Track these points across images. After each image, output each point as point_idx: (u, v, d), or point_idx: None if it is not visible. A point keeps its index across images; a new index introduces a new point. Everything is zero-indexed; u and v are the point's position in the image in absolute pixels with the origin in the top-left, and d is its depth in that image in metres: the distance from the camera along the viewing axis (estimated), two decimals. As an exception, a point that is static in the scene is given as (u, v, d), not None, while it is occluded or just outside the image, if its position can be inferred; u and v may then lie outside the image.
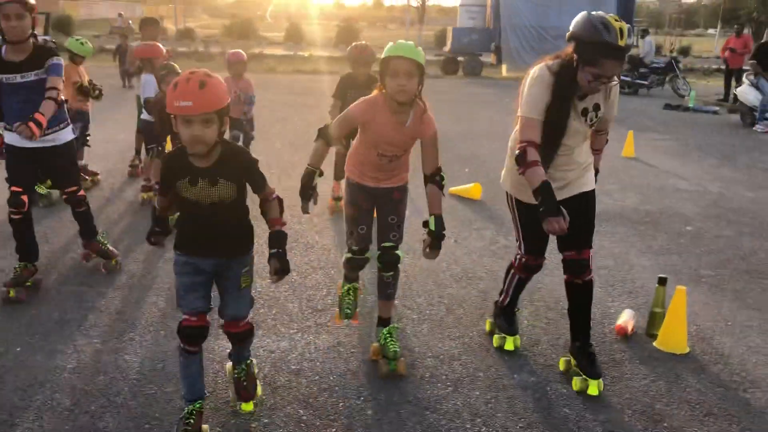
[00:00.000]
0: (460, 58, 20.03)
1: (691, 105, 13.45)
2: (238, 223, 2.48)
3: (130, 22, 10.82)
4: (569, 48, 2.72)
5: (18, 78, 3.50)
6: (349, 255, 3.10)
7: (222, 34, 32.40)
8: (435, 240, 2.77)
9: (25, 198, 3.66)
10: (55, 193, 5.13)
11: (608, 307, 3.79)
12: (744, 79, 11.52)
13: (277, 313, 3.58)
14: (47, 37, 9.63)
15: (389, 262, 3.06)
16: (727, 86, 14.58)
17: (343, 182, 3.34)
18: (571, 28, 2.71)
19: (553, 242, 2.99)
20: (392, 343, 3.03)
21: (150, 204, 2.58)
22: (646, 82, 15.68)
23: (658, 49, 22.81)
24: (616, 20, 2.60)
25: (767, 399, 2.93)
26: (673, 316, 3.32)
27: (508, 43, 18.91)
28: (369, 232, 3.08)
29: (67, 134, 3.80)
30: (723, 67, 15.57)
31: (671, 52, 20.09)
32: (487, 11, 20.29)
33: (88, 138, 6.15)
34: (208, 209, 2.35)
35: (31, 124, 3.34)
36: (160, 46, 5.76)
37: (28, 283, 3.70)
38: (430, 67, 20.09)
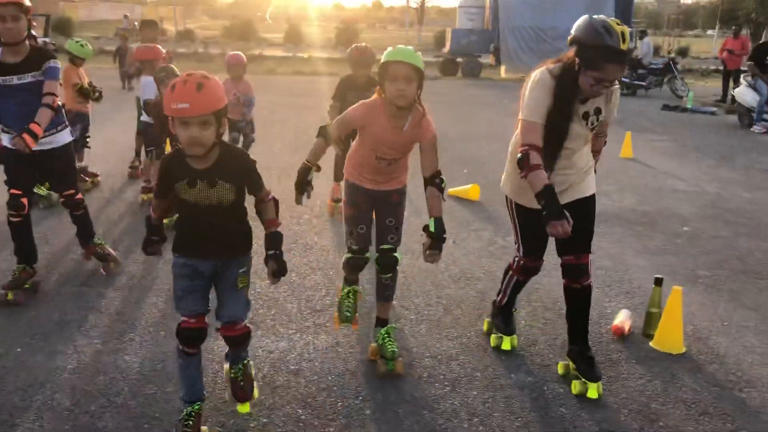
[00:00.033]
0: (459, 60, 20.09)
1: (689, 106, 13.49)
2: (237, 225, 2.48)
3: (136, 23, 10.85)
4: (571, 52, 2.71)
5: (15, 80, 3.49)
6: (349, 255, 3.10)
7: (221, 35, 32.45)
8: (435, 242, 2.73)
9: (24, 200, 3.67)
10: (56, 194, 5.14)
11: (605, 307, 3.81)
12: (742, 80, 11.56)
13: (276, 314, 3.61)
14: (47, 39, 9.66)
15: (387, 265, 3.08)
16: (725, 87, 14.63)
17: (342, 183, 3.36)
18: (572, 31, 2.70)
19: (551, 244, 3.00)
20: (390, 343, 3.05)
21: (150, 206, 2.57)
22: (644, 83, 15.73)
23: (657, 50, 22.88)
24: (617, 24, 2.60)
25: (762, 398, 2.96)
26: (670, 316, 3.34)
27: (507, 45, 18.95)
28: (368, 232, 3.09)
29: (64, 137, 3.80)
30: (721, 68, 15.61)
31: (669, 53, 20.14)
32: (486, 13, 20.34)
33: (88, 140, 6.17)
34: (206, 211, 2.36)
35: (26, 136, 3.34)
36: (160, 48, 5.78)
37: (27, 286, 3.71)
38: (429, 69, 20.12)
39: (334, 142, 2.99)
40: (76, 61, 5.84)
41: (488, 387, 2.96)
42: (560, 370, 3.07)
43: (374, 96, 2.88)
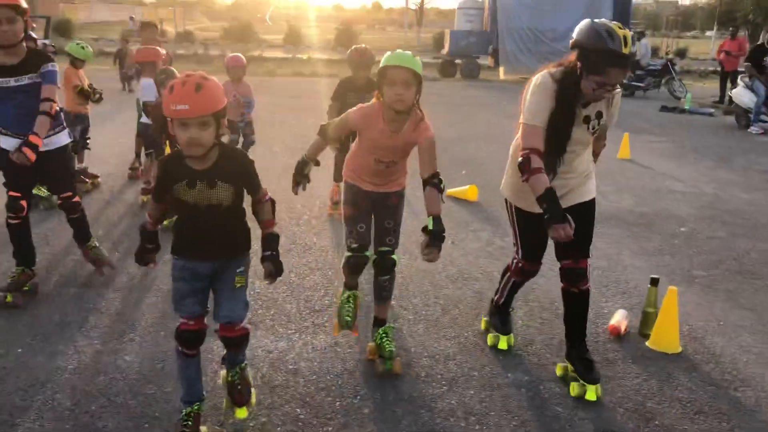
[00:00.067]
0: (457, 61, 20.12)
1: (687, 107, 13.52)
2: (236, 225, 2.48)
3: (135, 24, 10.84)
4: (572, 55, 2.70)
5: (12, 82, 3.47)
6: (349, 254, 3.07)
7: (221, 36, 32.48)
8: (434, 240, 2.65)
9: (23, 203, 3.66)
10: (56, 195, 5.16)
11: (601, 307, 3.84)
12: (739, 81, 11.60)
13: (275, 314, 3.63)
14: (47, 41, 9.69)
15: (385, 267, 3.10)
16: (723, 88, 14.67)
17: (342, 185, 3.38)
18: (574, 35, 2.69)
19: (550, 247, 3.01)
20: (388, 342, 3.08)
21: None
22: (642, 85, 15.76)
23: (655, 51, 22.93)
24: (620, 28, 2.59)
25: (757, 397, 2.98)
26: (665, 315, 3.37)
27: (505, 46, 18.99)
28: (368, 231, 3.09)
29: (61, 138, 3.78)
30: (719, 69, 15.66)
31: (667, 54, 20.18)
32: (485, 14, 20.37)
33: (88, 141, 6.20)
34: (206, 212, 2.36)
35: (26, 149, 3.36)
36: (159, 50, 5.81)
37: (26, 288, 3.70)
38: (428, 70, 20.18)
39: (331, 141, 3.02)
40: (76, 63, 5.87)
41: (485, 386, 2.98)
42: (558, 372, 3.07)
43: (373, 100, 2.90)
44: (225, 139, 2.40)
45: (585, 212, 2.93)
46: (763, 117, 10.88)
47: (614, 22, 2.64)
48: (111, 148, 7.68)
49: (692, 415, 2.82)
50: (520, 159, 2.69)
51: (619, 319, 3.59)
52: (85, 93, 5.77)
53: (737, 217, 5.90)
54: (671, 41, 36.03)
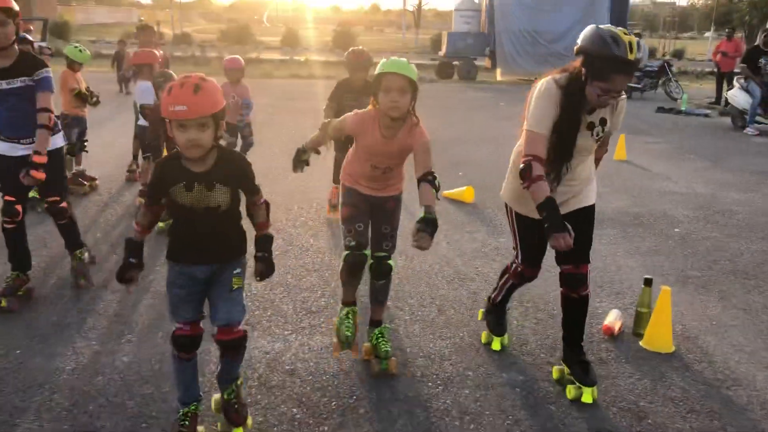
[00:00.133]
0: (455, 63, 20.16)
1: (683, 108, 13.57)
2: (232, 228, 2.47)
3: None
4: (577, 61, 2.69)
5: (4, 84, 3.47)
6: (347, 252, 3.05)
7: (218, 38, 32.51)
8: (425, 225, 2.53)
9: (19, 207, 3.63)
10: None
11: (596, 307, 3.87)
12: (735, 82, 11.65)
13: (272, 315, 3.66)
14: (43, 44, 9.71)
15: (382, 272, 3.11)
16: (719, 89, 14.72)
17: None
18: (579, 41, 2.67)
19: (550, 251, 3.01)
20: (384, 343, 3.11)
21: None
22: (639, 86, 15.81)
23: (653, 53, 22.98)
24: (625, 34, 2.57)
25: (749, 396, 3.02)
26: (659, 315, 3.40)
27: (503, 48, 19.02)
28: (366, 231, 3.07)
29: (55, 141, 3.71)
30: (715, 70, 15.72)
31: (664, 55, 20.24)
32: (482, 16, 20.43)
33: (85, 143, 6.22)
34: (202, 214, 2.34)
35: (33, 172, 3.41)
36: (156, 52, 5.84)
37: (21, 293, 3.70)
38: (426, 71, 20.24)
39: (329, 139, 3.07)
40: (73, 65, 5.89)
41: (480, 386, 3.01)
42: (555, 375, 3.08)
43: (369, 107, 2.92)
44: (222, 142, 2.40)
45: (585, 217, 2.94)
46: (758, 118, 10.93)
47: (620, 28, 2.61)
48: (109, 151, 7.71)
49: (684, 414, 2.85)
50: (521, 166, 2.67)
51: (612, 319, 3.62)
52: (82, 96, 5.79)
53: (731, 218, 5.94)
54: (668, 42, 36.15)
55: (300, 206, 5.79)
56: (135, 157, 6.58)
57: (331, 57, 24.70)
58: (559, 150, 2.73)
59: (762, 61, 10.83)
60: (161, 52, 6.44)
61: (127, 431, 2.60)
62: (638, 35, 17.78)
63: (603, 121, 2.80)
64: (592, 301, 3.89)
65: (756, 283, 4.41)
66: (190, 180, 2.31)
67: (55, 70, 3.98)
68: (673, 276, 4.45)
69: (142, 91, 5.49)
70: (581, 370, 2.96)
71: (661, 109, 13.56)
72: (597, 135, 2.81)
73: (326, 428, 2.66)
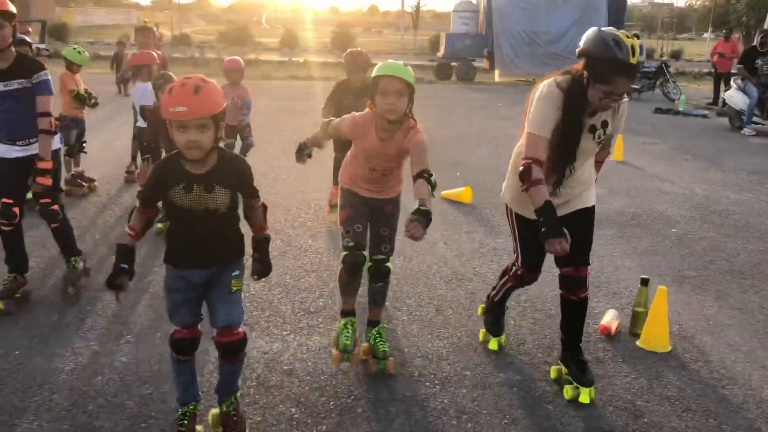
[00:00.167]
0: (453, 64, 20.18)
1: (681, 109, 13.60)
2: (231, 231, 2.45)
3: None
4: (579, 64, 2.68)
5: (1, 87, 3.46)
6: (345, 252, 3.03)
7: (217, 39, 32.53)
8: (419, 215, 2.47)
9: (16, 210, 3.59)
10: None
11: (593, 307, 3.87)
12: (732, 83, 11.68)
13: (270, 316, 3.67)
14: (41, 45, 9.71)
15: (380, 275, 3.12)
16: (716, 90, 14.76)
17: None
18: (581, 44, 2.66)
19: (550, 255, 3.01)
20: (381, 342, 3.12)
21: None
22: (637, 87, 15.83)
23: (651, 53, 23.03)
24: (627, 37, 2.56)
25: (744, 395, 3.03)
26: (655, 315, 3.42)
27: (501, 49, 19.04)
28: (365, 233, 3.07)
29: (53, 142, 3.67)
30: (713, 71, 15.75)
31: (662, 56, 20.28)
32: (480, 17, 20.47)
33: (84, 145, 6.23)
34: (201, 217, 2.32)
35: (40, 179, 3.43)
36: (154, 54, 5.85)
37: (18, 295, 3.70)
38: (424, 72, 20.27)
39: (327, 139, 3.13)
40: (72, 67, 5.91)
41: (477, 386, 3.03)
42: (553, 375, 3.09)
43: (366, 110, 2.93)
44: (220, 143, 2.40)
45: (586, 219, 2.94)
46: (755, 119, 10.96)
47: (622, 31, 2.60)
48: (107, 152, 7.72)
49: (680, 413, 2.87)
50: (521, 168, 2.67)
51: (609, 318, 3.64)
52: (81, 98, 5.80)
53: (727, 218, 5.96)
54: (666, 43, 36.22)
55: (299, 207, 5.81)
56: (134, 158, 6.60)
57: (329, 58, 24.72)
58: (562, 152, 2.73)
59: (759, 61, 10.88)
60: (159, 52, 6.46)
61: (126, 431, 2.61)
62: (636, 36, 17.83)
63: (605, 124, 2.80)
64: (589, 301, 3.92)
65: (752, 282, 4.44)
66: (189, 182, 2.29)
67: (53, 72, 4.00)
68: (669, 276, 4.47)
69: (142, 92, 5.50)
70: (579, 369, 2.96)
71: (658, 110, 13.59)
72: (598, 138, 2.80)
73: (324, 428, 2.68)
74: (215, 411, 2.63)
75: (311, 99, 12.37)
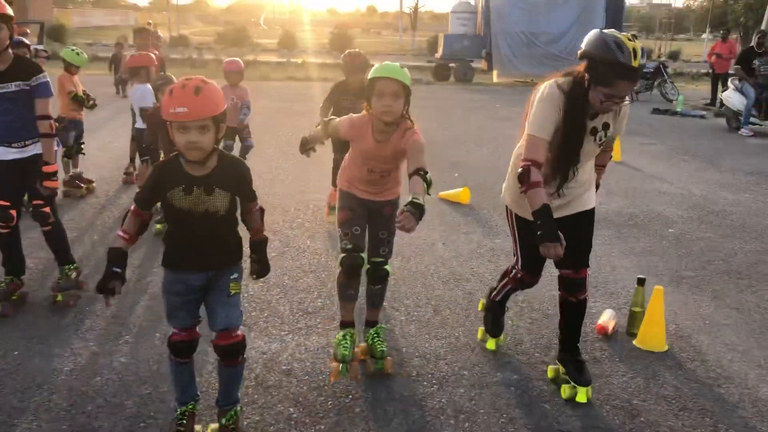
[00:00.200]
0: (451, 65, 20.21)
1: (678, 109, 13.64)
2: (229, 233, 2.44)
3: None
4: (581, 66, 2.67)
5: None
6: (344, 255, 3.03)
7: (215, 41, 32.53)
8: (412, 207, 2.44)
9: (13, 212, 3.59)
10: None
11: (590, 307, 3.86)
12: (729, 83, 11.71)
13: (268, 316, 3.68)
14: (39, 47, 9.71)
15: (378, 277, 3.13)
16: (714, 91, 14.79)
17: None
18: (583, 46, 2.66)
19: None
20: (379, 342, 3.13)
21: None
22: (635, 87, 15.87)
23: (649, 54, 23.06)
24: (629, 39, 2.56)
25: (740, 394, 3.05)
26: (652, 315, 3.44)
27: (499, 50, 19.08)
28: (363, 235, 3.07)
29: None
30: (710, 71, 15.79)
31: (659, 56, 20.32)
32: (478, 18, 20.48)
33: (82, 146, 6.25)
34: (200, 219, 2.31)
35: (46, 182, 3.45)
36: (152, 55, 5.87)
37: (14, 297, 3.70)
38: (423, 73, 20.29)
39: (326, 138, 3.14)
40: (71, 68, 5.91)
41: (475, 385, 3.04)
42: (550, 375, 3.10)
43: (363, 112, 2.94)
44: (219, 145, 2.40)
45: (586, 221, 2.95)
46: (753, 119, 10.99)
47: (624, 33, 2.60)
48: (106, 153, 7.73)
49: (677, 412, 2.88)
50: (519, 170, 2.67)
51: (606, 318, 3.66)
52: (79, 100, 5.82)
53: (724, 219, 5.99)
54: (664, 44, 36.27)
55: (297, 208, 5.82)
56: (132, 159, 6.61)
57: (327, 59, 24.74)
58: (564, 154, 2.73)
59: (756, 62, 10.91)
60: (158, 53, 6.47)
61: (125, 431, 2.62)
62: (634, 37, 17.84)
63: (606, 126, 2.80)
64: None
65: (749, 282, 4.45)
66: (189, 183, 2.29)
67: (52, 74, 4.01)
68: (667, 276, 4.49)
69: (141, 94, 5.51)
70: (576, 369, 2.98)
71: (656, 111, 13.62)
72: (600, 140, 2.80)
73: (322, 427, 2.69)
74: (214, 426, 2.60)
75: (309, 100, 12.39)
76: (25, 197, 4.89)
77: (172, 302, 2.44)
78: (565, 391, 2.96)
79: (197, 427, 2.59)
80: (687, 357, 3.39)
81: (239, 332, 2.48)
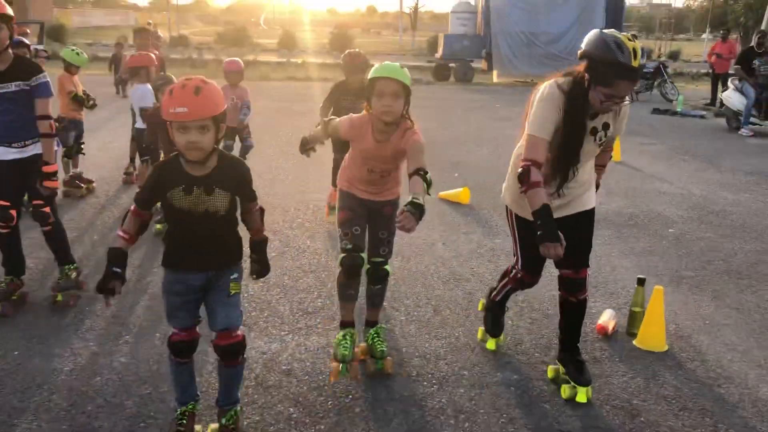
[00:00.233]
0: (451, 64, 20.21)
1: (678, 109, 13.64)
2: (229, 233, 2.43)
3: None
4: (581, 66, 2.67)
5: None
6: (344, 255, 3.02)
7: (215, 41, 32.53)
8: (411, 207, 2.45)
9: (13, 212, 3.59)
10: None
11: (590, 307, 3.86)
12: (729, 83, 11.71)
13: (268, 316, 3.68)
14: (39, 47, 9.71)
15: (378, 277, 3.13)
16: (714, 91, 14.79)
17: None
18: (583, 46, 2.65)
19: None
20: (379, 342, 3.13)
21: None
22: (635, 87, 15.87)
23: (649, 54, 23.05)
24: (629, 39, 2.55)
25: (740, 394, 3.05)
26: (651, 315, 3.44)
27: (499, 50, 19.08)
28: (363, 235, 3.06)
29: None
30: (710, 71, 15.80)
31: (659, 56, 20.32)
32: (478, 18, 20.49)
33: (82, 146, 6.25)
34: (200, 219, 2.31)
35: (46, 182, 3.46)
36: (152, 55, 5.87)
37: (14, 297, 3.70)
38: (423, 73, 20.30)
39: (326, 137, 3.14)
40: (71, 68, 5.92)
41: (475, 385, 3.04)
42: (550, 374, 3.10)
43: (363, 112, 2.94)
44: (219, 145, 2.40)
45: (586, 221, 2.95)
46: (753, 119, 10.99)
47: (624, 33, 2.60)
48: (106, 153, 7.73)
49: (677, 412, 2.88)
50: (519, 170, 2.67)
51: (606, 318, 3.66)
52: (79, 100, 5.82)
53: (724, 219, 5.99)
54: (664, 44, 36.27)
55: (297, 208, 5.82)
56: (132, 159, 6.62)
57: (327, 59, 24.74)
58: (564, 154, 2.73)
59: (756, 62, 10.91)
60: (158, 53, 6.47)
61: (125, 431, 2.62)
62: (634, 37, 17.84)
63: (606, 126, 2.80)
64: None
65: (749, 282, 4.45)
66: (189, 183, 2.28)
67: (52, 73, 4.01)
68: (667, 276, 4.49)
69: (141, 94, 5.51)
70: (576, 369, 2.98)
71: (656, 111, 13.63)
72: (599, 140, 2.80)
73: (322, 427, 2.69)
74: (214, 426, 2.60)
75: (309, 100, 12.39)
76: (25, 197, 4.89)
77: (172, 302, 2.44)
78: (565, 391, 2.96)
79: (197, 427, 2.59)
80: (687, 357, 3.39)
81: (239, 332, 2.47)
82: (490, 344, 3.36)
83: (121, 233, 2.36)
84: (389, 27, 68.83)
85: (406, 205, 2.46)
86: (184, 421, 2.53)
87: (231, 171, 2.36)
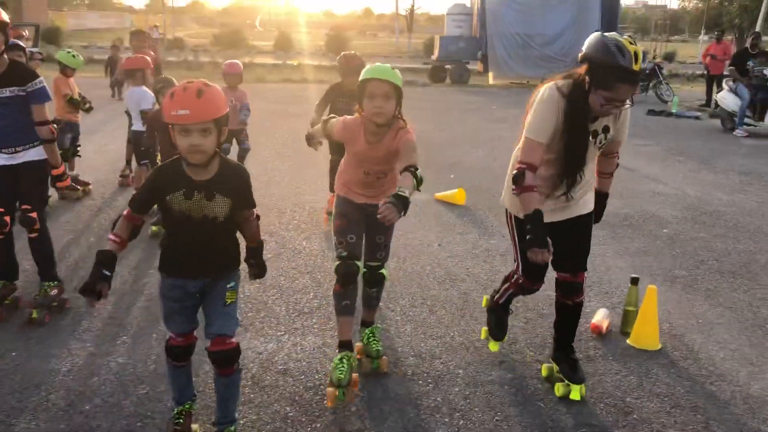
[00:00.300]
0: (447, 66, 20.25)
1: (674, 110, 13.71)
2: (228, 239, 2.43)
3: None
4: (581, 69, 2.66)
5: None
6: (338, 263, 2.98)
7: (211, 43, 32.54)
8: (395, 198, 2.42)
9: (6, 218, 3.56)
10: (50, 200, 5.13)
11: (584, 306, 3.90)
12: (724, 84, 11.78)
13: (264, 316, 3.71)
14: (35, 49, 9.71)
15: (375, 281, 3.15)
16: (709, 92, 14.87)
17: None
18: (583, 48, 2.64)
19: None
20: (375, 342, 3.16)
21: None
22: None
23: (644, 55, 23.14)
24: (630, 43, 2.54)
25: (732, 391, 3.08)
26: (645, 314, 3.47)
27: (495, 51, 19.13)
28: (359, 243, 3.02)
29: (41, 151, 3.60)
30: (705, 72, 15.87)
31: (655, 58, 20.39)
32: (474, 20, 20.54)
33: (78, 148, 6.26)
34: (199, 224, 2.30)
35: (59, 183, 3.57)
36: (148, 57, 5.89)
37: (7, 301, 3.69)
38: (418, 75, 20.34)
39: (323, 136, 3.20)
40: (66, 71, 5.93)
41: (469, 384, 3.07)
42: (544, 373, 3.12)
43: (355, 114, 2.95)
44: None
45: (584, 225, 2.96)
46: (747, 120, 11.06)
47: (625, 37, 2.59)
48: (102, 156, 7.74)
49: (669, 409, 2.92)
50: (514, 172, 2.67)
51: (600, 317, 3.69)
52: (75, 102, 5.83)
53: (718, 219, 6.03)
54: (660, 45, 36.39)
55: (293, 210, 5.84)
56: (128, 162, 6.63)
57: (323, 61, 24.75)
58: (570, 159, 2.73)
59: (750, 63, 10.98)
60: (154, 54, 6.49)
61: (123, 431, 2.64)
62: (635, 40, 17.90)
63: (606, 129, 2.80)
64: (580, 301, 3.97)
65: (742, 282, 4.49)
66: (190, 188, 2.27)
67: (47, 76, 4.02)
68: (661, 276, 4.53)
69: (138, 96, 5.52)
70: (570, 367, 3.00)
71: (651, 112, 13.68)
72: (600, 143, 2.80)
73: (318, 426, 2.71)
74: None
75: (305, 102, 12.40)
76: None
77: (169, 307, 2.44)
78: (559, 389, 2.98)
79: (194, 426, 2.61)
80: (680, 355, 3.42)
81: (233, 340, 2.45)
82: (493, 346, 3.34)
83: (112, 237, 2.32)
84: (385, 29, 68.93)
85: (389, 197, 2.43)
86: (181, 421, 2.55)
87: (233, 177, 2.34)
